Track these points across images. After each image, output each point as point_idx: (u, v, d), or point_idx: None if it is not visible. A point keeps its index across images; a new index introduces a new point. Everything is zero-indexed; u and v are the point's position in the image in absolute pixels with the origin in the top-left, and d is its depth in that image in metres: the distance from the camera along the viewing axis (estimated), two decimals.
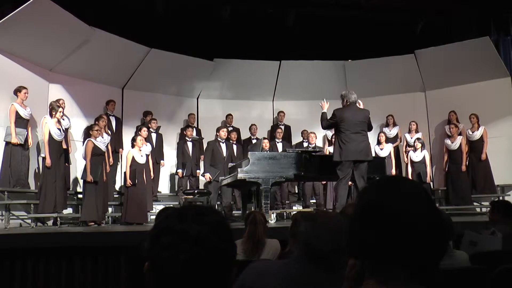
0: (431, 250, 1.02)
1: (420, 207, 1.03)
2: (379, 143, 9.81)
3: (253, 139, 10.02)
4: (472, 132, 9.33)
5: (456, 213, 8.59)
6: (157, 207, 8.74)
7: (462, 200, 9.11)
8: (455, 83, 10.00)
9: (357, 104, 6.45)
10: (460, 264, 2.76)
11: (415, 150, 9.35)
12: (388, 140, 9.89)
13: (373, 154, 9.51)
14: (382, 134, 9.81)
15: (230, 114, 10.40)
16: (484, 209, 9.27)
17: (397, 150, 10.08)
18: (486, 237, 3.87)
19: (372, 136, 10.16)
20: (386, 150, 9.65)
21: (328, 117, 6.40)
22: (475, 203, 9.33)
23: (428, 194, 1.08)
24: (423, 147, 9.34)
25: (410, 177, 9.21)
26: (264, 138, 9.26)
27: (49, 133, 7.26)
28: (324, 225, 1.80)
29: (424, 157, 9.26)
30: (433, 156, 10.23)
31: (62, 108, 7.68)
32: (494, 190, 9.13)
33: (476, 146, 9.27)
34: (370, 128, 6.51)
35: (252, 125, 10.27)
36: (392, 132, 10.14)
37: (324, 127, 6.71)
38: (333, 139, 6.72)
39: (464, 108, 9.61)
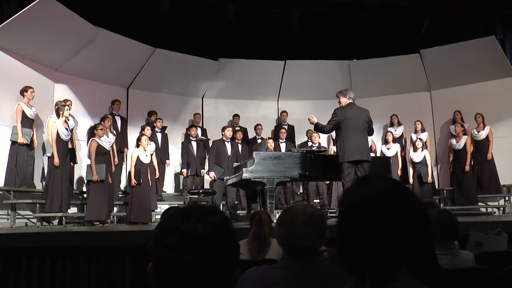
0: (405, 245, 1.03)
1: (388, 204, 1.05)
2: (386, 142, 9.80)
3: (258, 139, 10.03)
4: (478, 132, 9.29)
5: (461, 213, 8.56)
6: (162, 207, 8.76)
7: (468, 200, 9.07)
8: (460, 83, 9.97)
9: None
10: (466, 265, 2.75)
11: (415, 150, 9.31)
12: (395, 140, 9.86)
13: (379, 154, 9.57)
14: (390, 134, 9.78)
15: (237, 115, 10.42)
16: (489, 209, 9.25)
17: (403, 150, 10.06)
18: (492, 238, 3.86)
19: (377, 135, 10.21)
20: (393, 150, 9.63)
21: (327, 120, 6.32)
22: (480, 203, 9.29)
23: (403, 190, 1.10)
24: (423, 147, 9.30)
25: (411, 177, 9.21)
26: (269, 138, 9.26)
27: (57, 132, 7.29)
28: (292, 221, 1.89)
29: (424, 157, 9.21)
30: (438, 155, 10.21)
31: (69, 107, 7.70)
32: (500, 190, 9.09)
33: (481, 146, 9.23)
34: (371, 132, 6.41)
35: (257, 125, 10.27)
36: (397, 131, 10.12)
37: (328, 131, 6.44)
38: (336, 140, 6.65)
39: (469, 108, 9.58)
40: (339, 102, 6.37)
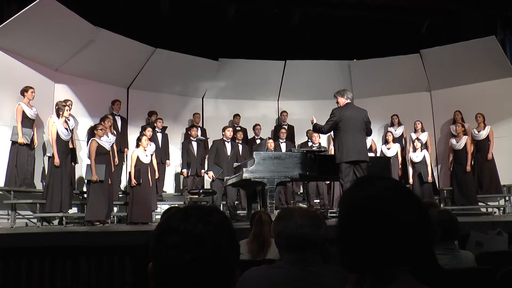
0: (405, 245, 1.03)
1: (389, 204, 1.05)
2: (386, 142, 9.79)
3: (257, 139, 10.02)
4: (478, 132, 9.28)
5: (461, 213, 8.55)
6: (162, 207, 8.76)
7: (468, 200, 9.06)
8: (461, 83, 9.96)
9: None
10: (466, 265, 2.75)
11: (414, 150, 9.30)
12: (395, 140, 9.86)
13: (379, 154, 9.57)
14: (390, 134, 9.78)
15: (237, 115, 10.42)
16: (490, 209, 9.24)
17: (403, 150, 10.06)
18: (492, 238, 3.86)
19: (377, 135, 10.21)
20: (393, 150, 9.63)
21: (325, 120, 6.30)
22: (480, 203, 9.28)
23: (403, 190, 1.09)
24: (422, 147, 9.30)
25: (411, 177, 9.21)
26: (269, 138, 9.26)
27: (57, 132, 7.29)
28: (289, 215, 1.93)
29: (424, 157, 9.19)
30: (438, 155, 10.20)
31: (69, 107, 7.69)
32: (500, 190, 9.08)
33: (482, 146, 9.22)
34: (369, 132, 6.41)
35: (256, 125, 10.27)
36: (397, 131, 10.11)
37: (326, 131, 6.44)
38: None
39: (470, 108, 9.57)
40: (337, 103, 6.36)
